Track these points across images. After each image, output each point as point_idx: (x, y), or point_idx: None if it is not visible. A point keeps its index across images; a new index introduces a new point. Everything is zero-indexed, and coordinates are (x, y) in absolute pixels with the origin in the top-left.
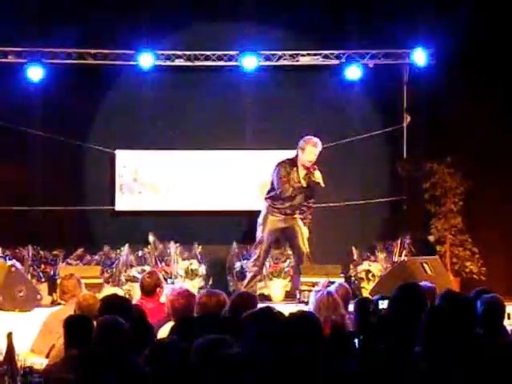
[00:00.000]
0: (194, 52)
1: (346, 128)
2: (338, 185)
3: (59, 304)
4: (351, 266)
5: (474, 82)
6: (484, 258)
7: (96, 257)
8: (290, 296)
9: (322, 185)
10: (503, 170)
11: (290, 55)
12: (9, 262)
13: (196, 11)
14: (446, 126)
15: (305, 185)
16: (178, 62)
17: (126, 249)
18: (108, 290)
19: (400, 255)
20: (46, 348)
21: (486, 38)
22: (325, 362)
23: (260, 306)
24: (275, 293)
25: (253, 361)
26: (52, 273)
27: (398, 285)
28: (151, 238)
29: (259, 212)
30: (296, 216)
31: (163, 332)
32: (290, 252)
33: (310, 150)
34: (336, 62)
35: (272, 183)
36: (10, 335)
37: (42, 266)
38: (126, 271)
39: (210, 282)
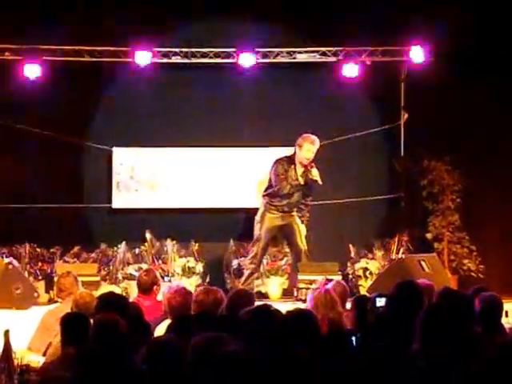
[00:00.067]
0: (191, 49)
1: (343, 125)
2: (336, 182)
3: (56, 302)
4: (349, 264)
5: (472, 79)
6: (482, 256)
7: (93, 254)
8: (287, 294)
9: (320, 182)
10: (501, 167)
11: (287, 52)
12: (6, 260)
13: (193, 9)
14: (444, 123)
15: (302, 182)
16: (175, 60)
17: (122, 246)
18: (105, 288)
19: (398, 253)
20: (43, 346)
21: (484, 35)
22: (322, 360)
23: (257, 303)
24: (272, 290)
25: (250, 359)
26: (49, 270)
27: (395, 282)
28: (148, 235)
29: (257, 209)
30: (294, 213)
31: (160, 330)
32: (287, 250)
33: (308, 147)
34: (333, 59)
35: (270, 181)
36: (6, 333)
37: (39, 264)
38: (122, 269)
39: (207, 280)
